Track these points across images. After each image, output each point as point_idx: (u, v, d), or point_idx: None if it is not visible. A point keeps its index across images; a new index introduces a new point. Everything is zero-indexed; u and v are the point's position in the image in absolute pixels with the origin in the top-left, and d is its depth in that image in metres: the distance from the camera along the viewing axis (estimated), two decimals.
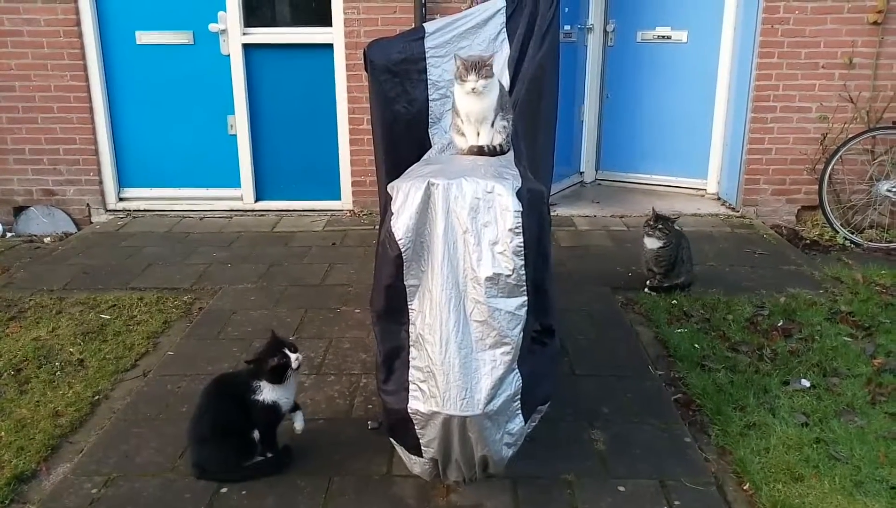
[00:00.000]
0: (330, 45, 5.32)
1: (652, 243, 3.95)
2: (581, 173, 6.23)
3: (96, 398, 3.01)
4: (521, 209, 1.97)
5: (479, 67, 2.38)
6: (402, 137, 2.89)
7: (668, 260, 3.93)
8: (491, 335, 1.99)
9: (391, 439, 2.27)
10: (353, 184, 5.53)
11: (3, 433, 2.74)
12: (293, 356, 2.41)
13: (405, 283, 2.07)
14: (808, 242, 4.99)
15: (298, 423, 2.53)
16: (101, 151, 5.48)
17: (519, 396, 2.07)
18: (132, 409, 2.90)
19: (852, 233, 4.99)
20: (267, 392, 2.41)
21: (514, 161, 2.38)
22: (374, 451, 2.57)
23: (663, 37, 5.80)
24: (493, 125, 2.46)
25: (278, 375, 2.40)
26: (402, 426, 2.12)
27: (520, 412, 2.10)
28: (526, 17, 2.98)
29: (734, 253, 4.64)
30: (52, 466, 2.57)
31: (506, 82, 2.90)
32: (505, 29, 3.04)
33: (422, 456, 2.15)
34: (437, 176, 2.06)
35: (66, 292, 4.09)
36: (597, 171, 6.29)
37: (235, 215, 5.56)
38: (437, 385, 1.98)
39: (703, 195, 5.84)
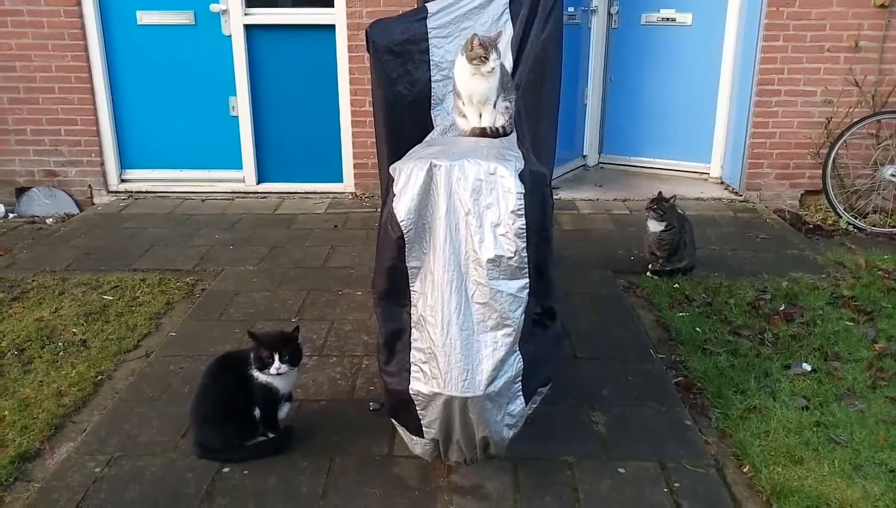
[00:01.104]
0: (332, 26, 5.28)
1: (655, 226, 3.94)
2: (584, 157, 6.21)
3: (99, 378, 3.02)
4: (523, 191, 1.97)
5: (495, 46, 2.36)
6: (405, 118, 2.88)
7: (670, 244, 3.93)
8: (492, 317, 1.99)
9: (392, 420, 2.27)
10: (355, 166, 5.51)
11: (7, 412, 2.75)
12: (275, 365, 2.35)
13: (407, 264, 2.07)
14: (811, 226, 4.97)
15: (281, 412, 2.51)
16: (103, 133, 5.46)
17: (520, 378, 2.07)
18: (134, 389, 2.92)
19: (856, 218, 4.97)
20: (260, 374, 2.40)
21: (516, 143, 2.36)
22: (376, 432, 2.58)
23: (667, 19, 5.75)
24: (495, 106, 2.45)
25: (260, 365, 2.38)
26: (403, 407, 2.13)
27: (521, 393, 2.10)
28: None
29: (737, 237, 4.63)
30: (55, 445, 2.59)
31: (508, 64, 2.89)
32: (508, 10, 3.02)
33: (423, 437, 2.16)
34: (439, 157, 2.05)
35: (68, 273, 4.10)
36: (600, 154, 6.26)
37: (237, 197, 5.55)
38: (439, 367, 1.98)
39: (707, 179, 5.81)
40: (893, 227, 4.91)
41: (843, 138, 4.94)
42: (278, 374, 2.37)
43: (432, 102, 3.00)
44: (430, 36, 2.94)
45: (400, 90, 2.91)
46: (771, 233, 4.72)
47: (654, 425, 2.66)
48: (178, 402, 2.76)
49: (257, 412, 2.45)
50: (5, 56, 5.24)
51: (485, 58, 2.35)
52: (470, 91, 2.42)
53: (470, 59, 2.37)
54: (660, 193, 4.00)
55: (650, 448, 2.52)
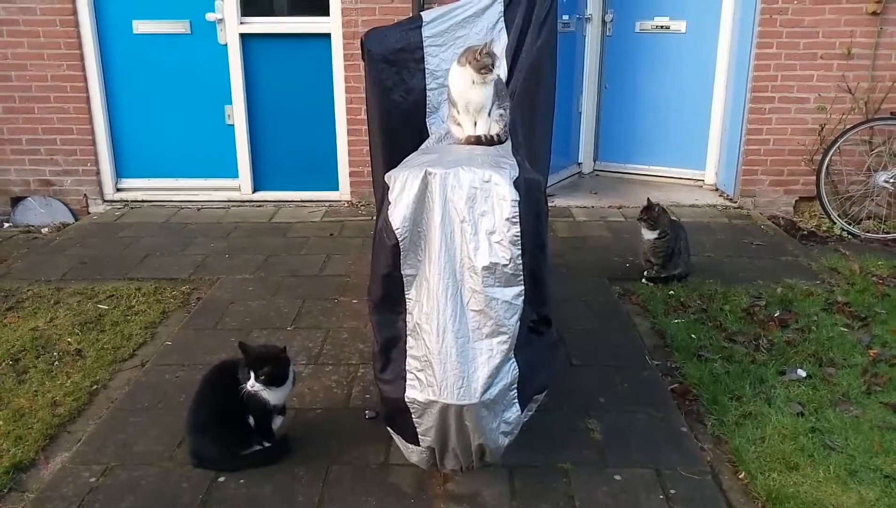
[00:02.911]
0: (327, 35, 5.30)
1: (649, 234, 3.95)
2: (579, 164, 6.23)
3: (94, 387, 3.01)
4: (518, 199, 1.98)
5: (494, 54, 2.38)
6: (400, 126, 2.89)
7: (665, 251, 3.94)
8: (488, 325, 1.99)
9: (388, 428, 2.27)
10: (351, 175, 5.52)
11: (1, 422, 2.74)
12: (249, 382, 2.33)
13: (402, 272, 2.07)
14: (805, 233, 4.99)
15: (275, 424, 2.51)
16: (99, 142, 5.46)
17: (516, 385, 2.07)
18: (130, 399, 2.91)
19: (849, 224, 4.99)
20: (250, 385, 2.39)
21: (511, 151, 2.37)
22: (372, 440, 2.58)
23: (662, 27, 5.78)
24: (489, 115, 2.46)
25: (244, 378, 2.36)
26: (399, 415, 2.13)
27: (516, 401, 2.10)
28: (524, 7, 2.97)
29: (731, 244, 4.65)
30: (50, 455, 2.58)
31: (504, 72, 2.90)
32: (503, 18, 3.04)
33: (419, 445, 2.16)
34: (434, 165, 2.06)
35: (63, 283, 4.09)
36: (595, 162, 6.28)
37: (233, 206, 5.55)
38: (435, 374, 1.98)
39: (701, 186, 5.83)
40: (887, 233, 4.93)
41: (837, 145, 4.97)
42: (253, 390, 2.35)
43: (427, 110, 3.01)
44: (425, 44, 2.96)
45: (395, 99, 2.93)
46: (765, 239, 4.74)
47: (649, 432, 2.66)
48: (174, 411, 2.75)
49: (252, 422, 2.45)
50: (0, 65, 5.24)
51: (492, 66, 2.36)
52: (466, 99, 2.42)
53: (478, 69, 2.36)
54: (648, 200, 4.01)
55: (646, 455, 2.52)
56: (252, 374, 2.34)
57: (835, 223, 5.00)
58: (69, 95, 5.33)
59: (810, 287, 3.90)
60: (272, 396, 2.41)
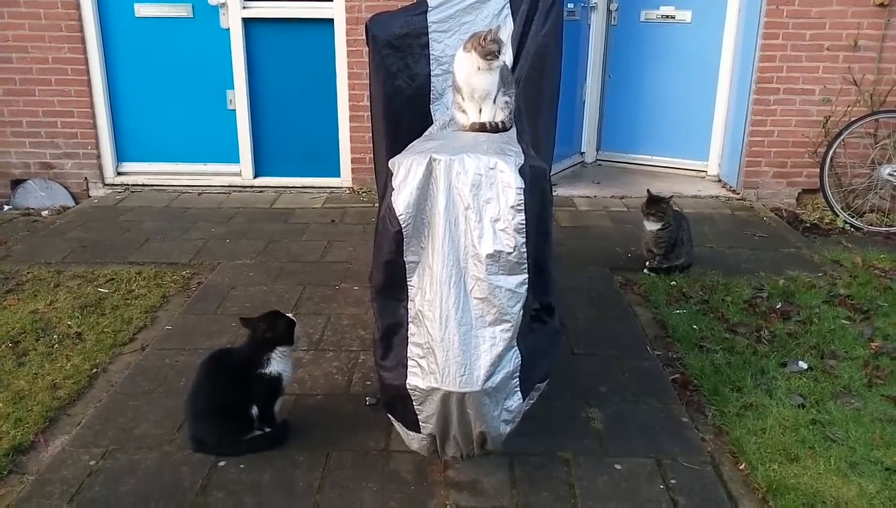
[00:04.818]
0: (331, 20, 5.26)
1: (651, 225, 3.94)
2: (582, 154, 6.20)
3: (94, 371, 3.01)
4: (523, 186, 1.96)
5: (500, 40, 2.37)
6: (404, 112, 2.87)
7: (667, 241, 3.92)
8: (491, 313, 1.98)
9: (389, 415, 2.27)
10: (353, 161, 5.49)
11: (1, 404, 2.74)
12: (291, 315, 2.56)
13: (405, 259, 2.06)
14: (808, 225, 4.98)
15: (276, 406, 2.51)
16: (100, 125, 5.43)
17: (518, 373, 2.07)
18: (130, 382, 2.91)
19: (853, 217, 4.98)
20: (275, 365, 2.43)
21: (516, 138, 2.36)
22: (372, 427, 2.58)
23: (667, 16, 5.75)
24: (495, 102, 2.44)
25: (290, 334, 2.49)
26: (400, 402, 2.12)
27: (518, 389, 2.10)
28: None
29: (734, 235, 4.63)
30: (50, 438, 2.58)
31: (509, 59, 2.87)
32: (508, 4, 3.01)
33: (420, 432, 2.16)
34: (439, 152, 2.04)
35: (63, 266, 4.08)
36: (598, 151, 6.26)
37: (234, 191, 5.53)
38: (437, 362, 1.98)
39: (704, 177, 5.81)
40: (890, 226, 4.92)
41: (841, 137, 4.94)
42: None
43: (432, 96, 3.00)
44: (430, 30, 2.94)
45: (399, 84, 2.90)
46: (768, 231, 4.73)
47: (650, 421, 2.66)
48: (174, 395, 2.75)
49: (254, 410, 2.44)
50: (1, 47, 5.21)
51: (498, 53, 2.34)
52: (472, 86, 2.40)
53: (483, 55, 2.34)
54: (649, 191, 3.99)
55: (646, 445, 2.52)
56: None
57: (838, 216, 4.98)
58: (70, 78, 5.29)
59: (812, 279, 3.90)
60: (289, 370, 2.47)
